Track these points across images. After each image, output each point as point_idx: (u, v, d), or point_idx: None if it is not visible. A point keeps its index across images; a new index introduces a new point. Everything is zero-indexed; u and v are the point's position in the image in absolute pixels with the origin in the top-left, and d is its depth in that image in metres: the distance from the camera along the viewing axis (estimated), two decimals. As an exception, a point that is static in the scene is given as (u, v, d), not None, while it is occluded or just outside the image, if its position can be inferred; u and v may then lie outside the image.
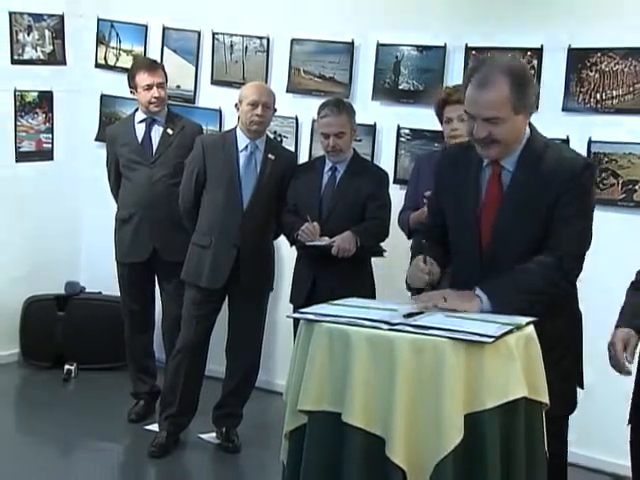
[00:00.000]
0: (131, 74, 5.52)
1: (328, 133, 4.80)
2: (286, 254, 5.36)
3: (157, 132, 5.52)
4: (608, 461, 4.88)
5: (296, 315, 3.30)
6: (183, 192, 5.11)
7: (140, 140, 5.52)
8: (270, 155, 5.04)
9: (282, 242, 5.26)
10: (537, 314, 3.06)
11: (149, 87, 5.41)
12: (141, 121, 5.54)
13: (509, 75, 3.13)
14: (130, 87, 5.52)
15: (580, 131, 5.03)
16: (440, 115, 4.72)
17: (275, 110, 5.10)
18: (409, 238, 4.83)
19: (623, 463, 3.95)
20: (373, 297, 4.62)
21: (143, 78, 5.42)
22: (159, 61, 6.14)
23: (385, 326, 2.88)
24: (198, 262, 5.03)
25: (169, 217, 5.29)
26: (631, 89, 4.94)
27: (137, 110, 5.59)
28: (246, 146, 5.02)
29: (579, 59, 5.06)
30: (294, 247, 4.97)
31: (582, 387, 3.51)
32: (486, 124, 3.14)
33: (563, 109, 5.11)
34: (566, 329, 3.37)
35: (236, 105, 5.04)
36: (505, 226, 3.24)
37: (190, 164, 5.10)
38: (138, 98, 5.50)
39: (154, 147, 5.49)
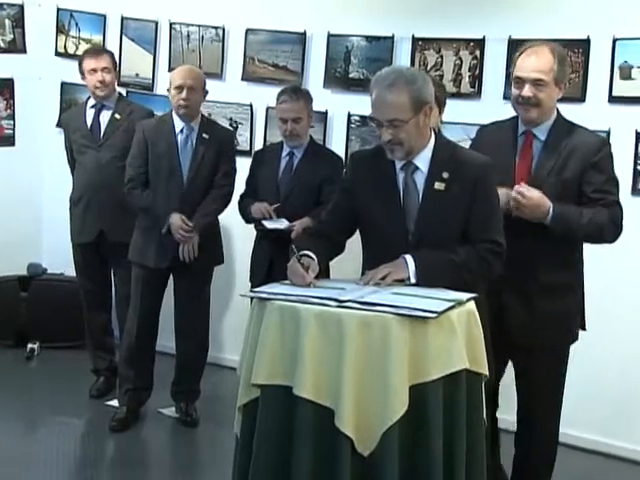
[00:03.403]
0: (79, 61, 5.64)
1: (286, 118, 4.94)
2: (237, 233, 5.44)
3: (105, 117, 5.61)
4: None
5: (249, 294, 3.38)
6: (131, 178, 5.14)
7: (89, 125, 5.62)
8: (204, 134, 5.13)
9: (234, 222, 5.35)
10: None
11: (94, 71, 5.51)
12: (92, 107, 5.65)
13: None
14: (80, 73, 5.63)
15: (521, 118, 5.26)
16: None
17: (206, 92, 5.17)
18: None
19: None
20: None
21: (88, 63, 5.55)
22: (118, 50, 6.31)
23: (334, 303, 2.98)
24: (144, 243, 5.13)
25: (116, 199, 5.36)
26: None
27: (90, 97, 5.69)
28: (182, 129, 5.12)
29: (519, 50, 5.23)
30: (249, 228, 5.09)
31: (584, 328, 3.99)
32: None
33: (504, 97, 5.25)
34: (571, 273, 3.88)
35: (168, 90, 5.13)
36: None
37: (133, 148, 5.17)
38: (86, 83, 5.61)
39: (102, 131, 5.60)
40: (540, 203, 3.67)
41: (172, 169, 5.09)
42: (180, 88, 5.02)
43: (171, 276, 5.26)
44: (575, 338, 3.98)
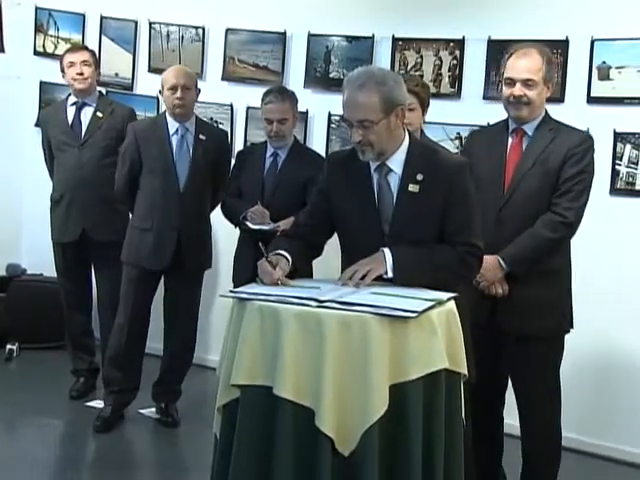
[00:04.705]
0: (60, 60, 5.64)
1: (272, 119, 4.92)
2: (221, 234, 5.43)
3: (87, 115, 5.58)
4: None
5: (229, 295, 3.32)
6: (118, 179, 5.16)
7: (70, 122, 5.58)
8: (201, 136, 5.13)
9: (219, 222, 5.32)
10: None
11: (72, 64, 5.50)
12: (72, 104, 5.61)
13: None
14: (61, 71, 5.60)
15: (500, 118, 5.25)
16: None
17: (199, 91, 5.17)
18: None
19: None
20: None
21: (67, 57, 5.55)
22: (97, 49, 6.27)
23: (314, 303, 2.96)
24: (139, 244, 5.10)
25: (98, 198, 5.35)
26: (546, 79, 5.19)
27: (70, 94, 5.66)
28: (177, 130, 5.09)
29: (498, 50, 5.21)
30: (236, 229, 5.06)
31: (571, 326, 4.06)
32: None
33: (484, 97, 5.31)
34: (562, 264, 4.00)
35: (160, 92, 5.13)
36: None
37: (124, 152, 5.15)
38: (66, 80, 5.59)
39: (83, 129, 5.56)
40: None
41: (167, 171, 5.07)
42: (174, 88, 5.02)
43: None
44: (566, 328, 4.04)
